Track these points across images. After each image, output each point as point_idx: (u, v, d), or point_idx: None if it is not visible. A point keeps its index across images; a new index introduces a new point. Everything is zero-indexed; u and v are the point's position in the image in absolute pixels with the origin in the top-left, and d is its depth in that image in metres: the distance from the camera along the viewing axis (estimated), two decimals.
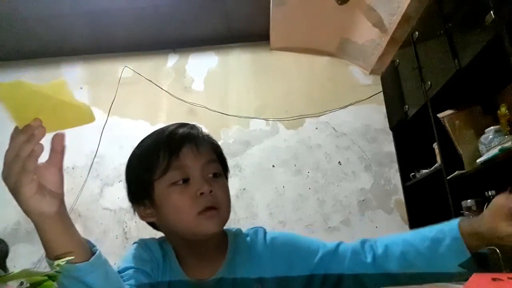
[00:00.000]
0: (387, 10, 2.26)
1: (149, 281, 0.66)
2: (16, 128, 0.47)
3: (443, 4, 1.81)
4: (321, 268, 0.69)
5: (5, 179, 0.48)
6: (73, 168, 2.75)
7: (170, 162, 0.67)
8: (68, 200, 2.65)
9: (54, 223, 0.50)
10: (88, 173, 2.72)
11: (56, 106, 0.47)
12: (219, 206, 0.68)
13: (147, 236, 0.77)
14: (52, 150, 0.51)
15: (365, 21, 2.43)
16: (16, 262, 2.48)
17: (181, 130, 0.70)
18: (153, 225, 0.74)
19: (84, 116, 0.50)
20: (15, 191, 0.48)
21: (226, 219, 0.70)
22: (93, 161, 2.74)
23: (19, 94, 0.45)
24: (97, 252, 0.53)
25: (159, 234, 0.77)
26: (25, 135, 0.46)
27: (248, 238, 0.75)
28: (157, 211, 0.70)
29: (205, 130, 0.77)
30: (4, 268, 2.14)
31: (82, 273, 0.50)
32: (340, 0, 2.26)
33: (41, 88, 0.46)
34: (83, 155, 2.75)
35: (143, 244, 0.73)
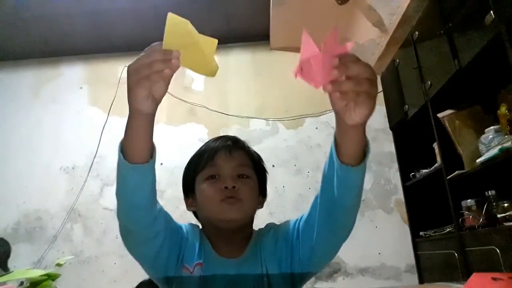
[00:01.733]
0: (387, 10, 2.26)
1: (175, 228, 0.82)
2: (160, 46, 0.56)
3: (443, 4, 1.82)
4: (295, 237, 0.83)
5: (131, 71, 0.57)
6: (73, 168, 2.76)
7: (206, 162, 0.85)
8: (68, 200, 2.66)
9: (144, 118, 0.62)
10: (88, 173, 2.73)
11: (196, 52, 0.58)
12: (241, 198, 0.81)
13: None
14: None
15: (365, 21, 2.43)
16: (16, 262, 2.48)
17: (221, 140, 0.89)
18: (195, 214, 0.91)
19: (209, 70, 0.60)
20: (131, 85, 0.57)
21: (248, 210, 0.83)
22: (93, 161, 2.74)
23: (180, 28, 0.56)
24: (145, 164, 0.65)
25: None
26: (163, 56, 0.55)
27: (266, 227, 0.91)
28: (196, 201, 0.86)
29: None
30: (6, 268, 2.14)
31: (125, 170, 0.66)
32: (340, 0, 2.26)
33: (197, 36, 0.58)
34: (83, 155, 2.75)
35: (188, 224, 0.89)
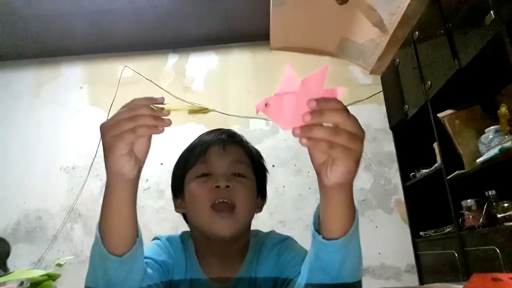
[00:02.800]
0: (387, 10, 2.26)
1: (160, 274, 0.68)
2: (144, 100, 0.49)
3: (443, 4, 1.82)
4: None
5: (106, 127, 0.48)
6: (73, 168, 2.76)
7: (197, 158, 0.74)
8: (68, 200, 2.66)
9: (127, 188, 0.52)
10: (88, 173, 2.72)
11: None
12: (235, 202, 0.70)
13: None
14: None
15: (365, 21, 2.43)
16: (16, 262, 2.48)
17: (214, 133, 0.78)
18: (185, 217, 0.80)
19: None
20: (109, 143, 0.48)
21: (243, 221, 0.72)
22: (93, 161, 2.73)
23: None
24: (132, 249, 0.53)
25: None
26: (151, 111, 0.47)
27: (266, 242, 0.77)
28: (185, 203, 0.76)
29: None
30: (5, 268, 2.14)
31: (110, 265, 0.52)
32: (340, 0, 2.26)
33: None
34: (83, 155, 2.75)
35: (164, 239, 0.77)
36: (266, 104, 0.46)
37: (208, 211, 0.69)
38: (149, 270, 0.65)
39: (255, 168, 0.79)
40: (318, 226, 0.53)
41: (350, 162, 0.45)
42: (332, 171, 0.46)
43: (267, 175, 0.84)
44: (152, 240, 0.78)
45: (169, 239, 0.77)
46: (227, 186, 0.70)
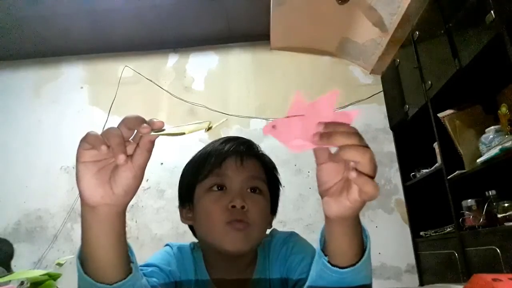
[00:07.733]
0: (388, 10, 2.26)
1: (165, 283, 0.65)
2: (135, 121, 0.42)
3: (444, 4, 1.82)
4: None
5: (79, 146, 0.42)
6: (73, 168, 2.74)
7: (212, 169, 0.69)
8: (68, 200, 2.66)
9: (97, 217, 0.44)
10: None
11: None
12: (250, 222, 0.67)
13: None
14: (137, 148, 0.44)
15: (366, 21, 2.43)
16: (17, 261, 2.48)
17: (231, 143, 0.73)
18: (192, 229, 0.76)
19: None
20: (77, 168, 0.43)
21: (256, 238, 0.69)
22: None
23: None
24: (127, 278, 0.48)
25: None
26: (134, 123, 0.41)
27: (272, 245, 0.75)
28: (194, 215, 0.71)
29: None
30: (9, 269, 2.14)
31: None
32: (340, 0, 2.26)
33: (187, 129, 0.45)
34: None
35: (175, 248, 0.74)
36: (273, 126, 0.45)
37: (223, 226, 0.65)
38: (154, 279, 0.62)
39: (270, 182, 0.76)
40: (324, 246, 0.51)
41: (356, 194, 0.43)
42: (337, 202, 0.44)
43: (280, 189, 0.80)
44: (164, 246, 0.76)
45: (180, 248, 0.74)
46: (243, 207, 0.66)
